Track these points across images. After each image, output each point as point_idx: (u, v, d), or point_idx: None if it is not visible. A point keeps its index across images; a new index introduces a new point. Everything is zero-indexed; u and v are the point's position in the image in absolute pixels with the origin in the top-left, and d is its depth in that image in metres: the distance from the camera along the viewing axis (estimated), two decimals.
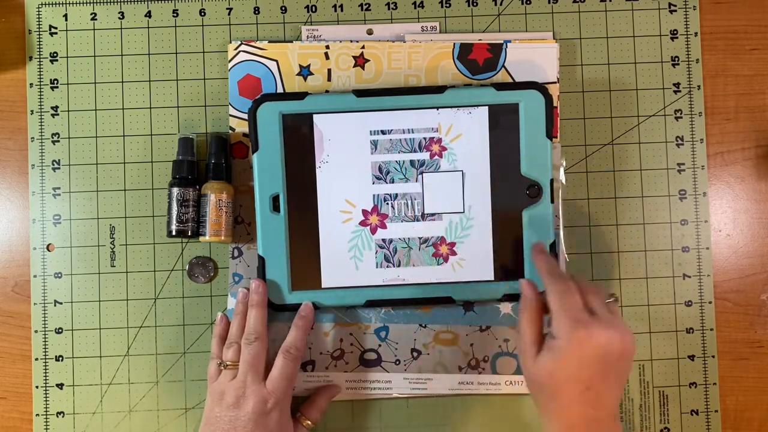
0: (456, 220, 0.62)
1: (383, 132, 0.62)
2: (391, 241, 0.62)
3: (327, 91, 0.63)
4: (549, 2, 0.65)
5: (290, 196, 0.62)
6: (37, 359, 0.63)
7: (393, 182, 0.62)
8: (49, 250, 0.64)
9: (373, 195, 0.62)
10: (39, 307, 0.64)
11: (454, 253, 0.62)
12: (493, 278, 0.62)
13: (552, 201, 0.61)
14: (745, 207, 0.65)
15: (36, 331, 0.63)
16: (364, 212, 0.62)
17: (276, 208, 0.61)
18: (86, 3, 0.65)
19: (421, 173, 0.62)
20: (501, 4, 0.65)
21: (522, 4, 0.65)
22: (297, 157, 0.62)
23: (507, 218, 0.62)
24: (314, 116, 0.61)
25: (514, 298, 0.62)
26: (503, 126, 0.62)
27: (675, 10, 0.65)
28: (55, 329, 0.63)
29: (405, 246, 0.62)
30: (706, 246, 0.64)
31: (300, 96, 0.61)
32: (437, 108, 0.62)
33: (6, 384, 0.64)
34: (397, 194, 0.62)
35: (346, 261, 0.62)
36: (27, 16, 0.65)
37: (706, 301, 0.64)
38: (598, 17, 0.65)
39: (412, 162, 0.62)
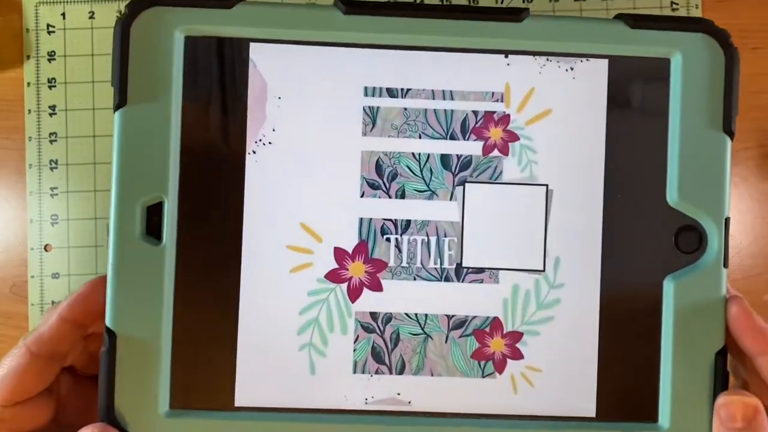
0: (528, 287, 0.35)
1: (390, 92, 0.34)
2: (389, 318, 0.34)
3: None
4: (550, 2, 0.65)
5: (185, 208, 0.33)
6: None
7: (403, 197, 0.34)
8: (46, 251, 0.63)
9: (360, 219, 0.34)
10: (37, 308, 0.63)
11: (519, 355, 0.35)
12: (594, 415, 0.34)
13: (725, 262, 0.34)
14: (748, 207, 0.65)
15: None
16: (339, 253, 0.34)
17: (153, 230, 0.33)
18: (84, 1, 0.64)
19: (463, 183, 0.34)
20: (502, 4, 0.65)
21: (523, 3, 0.65)
22: (207, 129, 0.34)
23: (632, 292, 0.34)
24: (251, 46, 0.33)
25: None
26: (636, 102, 0.34)
27: (677, 9, 0.65)
28: None
29: (418, 331, 0.34)
30: None
31: (225, 1, 0.32)
32: (505, 53, 0.34)
33: None
34: (409, 221, 0.34)
35: (292, 353, 0.34)
36: (24, 15, 0.64)
37: None
38: (600, 17, 0.65)
39: (444, 158, 0.34)
